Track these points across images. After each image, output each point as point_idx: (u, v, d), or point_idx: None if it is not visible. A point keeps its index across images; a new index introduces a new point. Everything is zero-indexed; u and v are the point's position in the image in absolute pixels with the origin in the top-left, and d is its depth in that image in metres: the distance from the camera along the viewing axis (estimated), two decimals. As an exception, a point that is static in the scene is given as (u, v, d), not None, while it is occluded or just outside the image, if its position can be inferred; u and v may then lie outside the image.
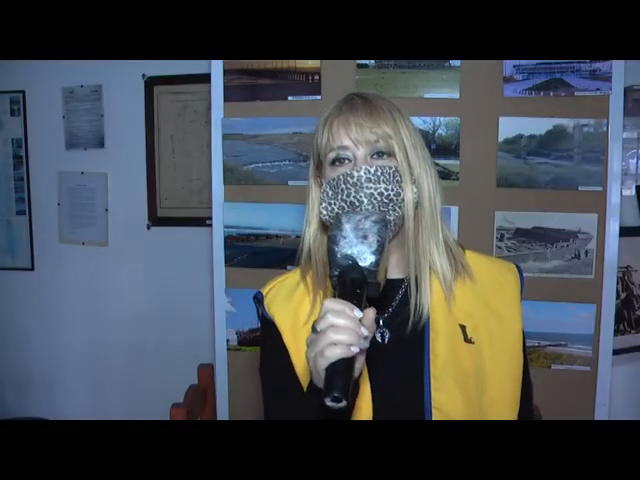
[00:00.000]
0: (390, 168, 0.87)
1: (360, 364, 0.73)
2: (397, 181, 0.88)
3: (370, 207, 0.86)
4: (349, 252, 0.76)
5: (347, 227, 0.78)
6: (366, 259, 0.75)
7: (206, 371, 1.62)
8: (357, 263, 0.75)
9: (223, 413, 1.69)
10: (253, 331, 1.67)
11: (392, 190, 0.87)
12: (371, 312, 0.73)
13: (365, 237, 0.77)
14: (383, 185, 0.86)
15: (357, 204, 0.86)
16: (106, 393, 2.48)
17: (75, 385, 2.51)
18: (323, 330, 0.69)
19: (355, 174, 0.86)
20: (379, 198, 0.86)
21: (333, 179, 0.89)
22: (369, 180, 0.86)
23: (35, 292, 2.52)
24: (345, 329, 0.69)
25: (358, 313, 0.70)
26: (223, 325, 1.68)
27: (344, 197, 0.87)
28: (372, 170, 0.86)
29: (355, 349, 0.68)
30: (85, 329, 2.48)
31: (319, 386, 0.71)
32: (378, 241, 0.77)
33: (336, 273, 0.76)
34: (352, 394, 0.73)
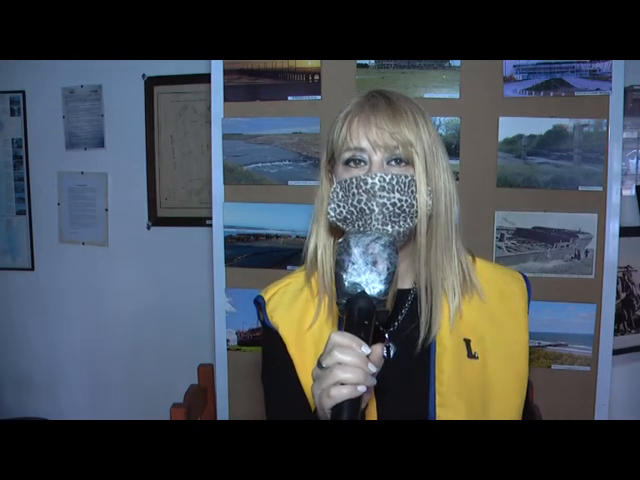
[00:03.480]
0: (406, 177, 0.83)
1: (367, 397, 0.71)
2: (412, 192, 0.83)
3: (380, 217, 0.82)
4: (357, 280, 0.72)
5: (356, 251, 0.74)
6: (375, 288, 0.72)
7: (206, 371, 1.62)
8: (365, 292, 0.72)
9: (223, 413, 1.69)
10: (253, 331, 1.67)
11: (406, 201, 0.82)
12: (379, 348, 0.70)
13: (375, 263, 0.73)
14: (397, 195, 0.82)
15: (367, 212, 0.82)
16: (106, 393, 2.48)
17: (75, 385, 2.51)
18: (329, 367, 0.66)
19: (369, 181, 0.82)
20: (391, 208, 0.82)
21: (345, 180, 0.85)
22: (383, 189, 0.82)
23: (35, 292, 2.52)
24: (352, 367, 0.66)
25: (366, 349, 0.67)
26: (223, 325, 1.68)
27: (354, 202, 0.83)
28: (387, 179, 0.82)
29: (362, 389, 0.65)
30: (85, 329, 2.48)
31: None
32: (388, 268, 0.73)
33: (344, 301, 0.73)
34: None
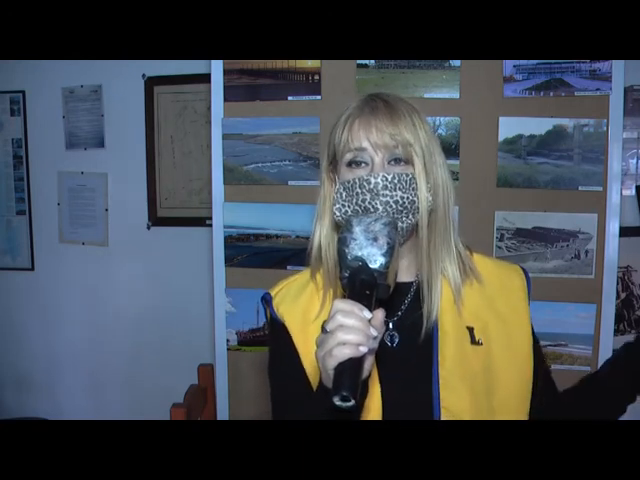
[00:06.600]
0: (407, 175, 0.87)
1: (369, 364, 0.74)
2: (413, 189, 0.87)
3: (384, 214, 0.85)
4: (359, 254, 0.76)
5: (357, 229, 0.78)
6: (376, 261, 0.75)
7: (206, 371, 1.62)
8: (367, 265, 0.75)
9: (223, 413, 1.69)
10: (253, 331, 1.67)
11: (407, 198, 0.86)
12: (380, 313, 0.73)
13: (375, 239, 0.77)
14: (399, 193, 0.86)
15: (372, 210, 0.86)
16: (106, 393, 2.49)
17: (75, 385, 2.51)
18: (332, 330, 0.69)
19: (372, 180, 0.86)
20: (394, 206, 0.86)
21: (348, 181, 0.88)
22: (385, 187, 0.86)
23: (35, 292, 2.52)
24: (354, 329, 0.69)
25: (367, 314, 0.70)
26: (223, 325, 1.68)
27: (359, 202, 0.87)
28: (389, 177, 0.86)
29: (364, 349, 0.69)
30: (85, 329, 2.48)
31: (328, 386, 0.71)
32: (388, 243, 0.76)
33: (346, 274, 0.76)
34: (360, 394, 0.72)
